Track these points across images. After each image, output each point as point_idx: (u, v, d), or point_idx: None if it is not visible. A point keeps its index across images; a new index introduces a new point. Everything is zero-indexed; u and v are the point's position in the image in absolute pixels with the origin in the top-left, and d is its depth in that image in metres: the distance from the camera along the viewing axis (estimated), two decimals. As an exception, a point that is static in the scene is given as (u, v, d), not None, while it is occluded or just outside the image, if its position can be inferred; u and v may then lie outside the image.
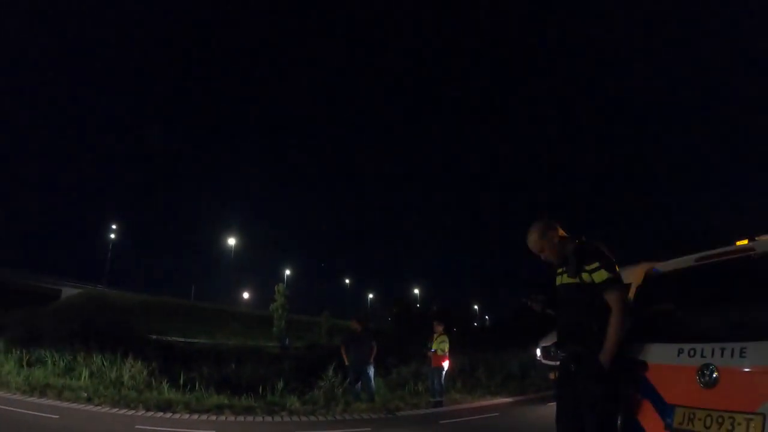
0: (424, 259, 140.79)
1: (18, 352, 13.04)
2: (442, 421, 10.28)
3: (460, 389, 13.87)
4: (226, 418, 9.78)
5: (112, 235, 75.25)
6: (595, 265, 3.75)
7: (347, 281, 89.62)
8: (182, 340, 33.17)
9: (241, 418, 9.82)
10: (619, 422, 3.81)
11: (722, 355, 3.19)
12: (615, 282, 3.71)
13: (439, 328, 12.71)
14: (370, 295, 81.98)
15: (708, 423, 3.17)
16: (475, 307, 66.49)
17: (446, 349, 12.36)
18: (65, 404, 9.91)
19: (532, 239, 4.12)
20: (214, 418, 9.71)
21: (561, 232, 4.11)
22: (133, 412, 9.71)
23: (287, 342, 39.35)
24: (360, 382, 12.14)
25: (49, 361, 12.75)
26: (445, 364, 12.32)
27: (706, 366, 3.23)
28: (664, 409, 3.48)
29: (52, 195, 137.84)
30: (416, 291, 69.41)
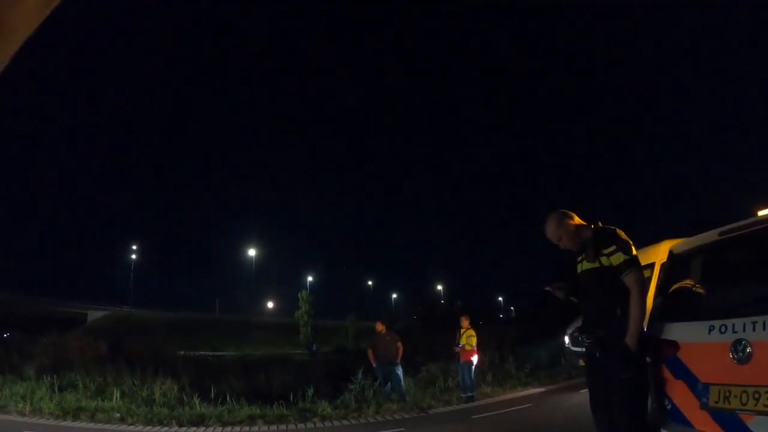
0: (447, 254, 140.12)
1: (49, 377, 13.14)
2: (475, 416, 10.21)
3: (490, 382, 13.77)
4: (258, 428, 9.83)
5: (134, 256, 76.07)
6: (612, 248, 3.78)
7: (370, 283, 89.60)
8: (210, 354, 33.54)
9: (273, 428, 9.86)
10: (650, 404, 3.78)
11: (754, 329, 3.12)
12: (631, 264, 3.73)
13: (466, 323, 12.68)
14: (394, 295, 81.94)
15: (744, 399, 3.11)
16: (500, 298, 66.11)
17: (474, 344, 12.31)
18: (98, 426, 10.00)
19: (550, 229, 4.15)
20: (247, 429, 9.77)
21: (577, 219, 4.15)
22: (167, 428, 9.79)
23: (314, 348, 39.52)
24: (389, 383, 12.14)
25: (80, 385, 12.83)
26: (474, 359, 12.27)
27: (739, 342, 3.17)
28: (699, 389, 3.43)
29: (71, 220, 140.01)
30: (439, 287, 69.45)
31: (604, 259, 3.80)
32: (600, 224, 4.05)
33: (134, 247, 76.40)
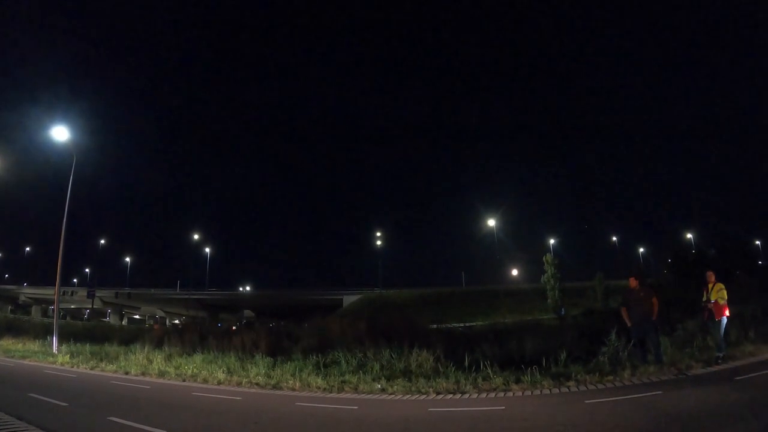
0: (697, 199, 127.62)
1: (314, 356, 15.16)
2: (738, 378, 9.56)
3: (753, 340, 12.48)
4: (513, 393, 10.14)
5: (378, 242, 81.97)
6: None
7: (615, 239, 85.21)
8: (461, 325, 34.97)
9: (528, 392, 10.09)
10: None
11: None
12: None
13: (713, 278, 11.82)
14: (641, 249, 77.27)
15: None
16: (757, 242, 58.55)
17: (725, 297, 11.46)
18: (362, 396, 11.19)
19: None
20: (502, 394, 10.12)
21: None
22: (425, 396, 10.59)
23: (563, 311, 39.19)
24: (645, 343, 11.72)
25: (343, 361, 14.49)
26: (726, 314, 11.42)
27: None
28: None
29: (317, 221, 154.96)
30: (689, 235, 64.91)
31: None
32: None
33: (378, 234, 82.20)
